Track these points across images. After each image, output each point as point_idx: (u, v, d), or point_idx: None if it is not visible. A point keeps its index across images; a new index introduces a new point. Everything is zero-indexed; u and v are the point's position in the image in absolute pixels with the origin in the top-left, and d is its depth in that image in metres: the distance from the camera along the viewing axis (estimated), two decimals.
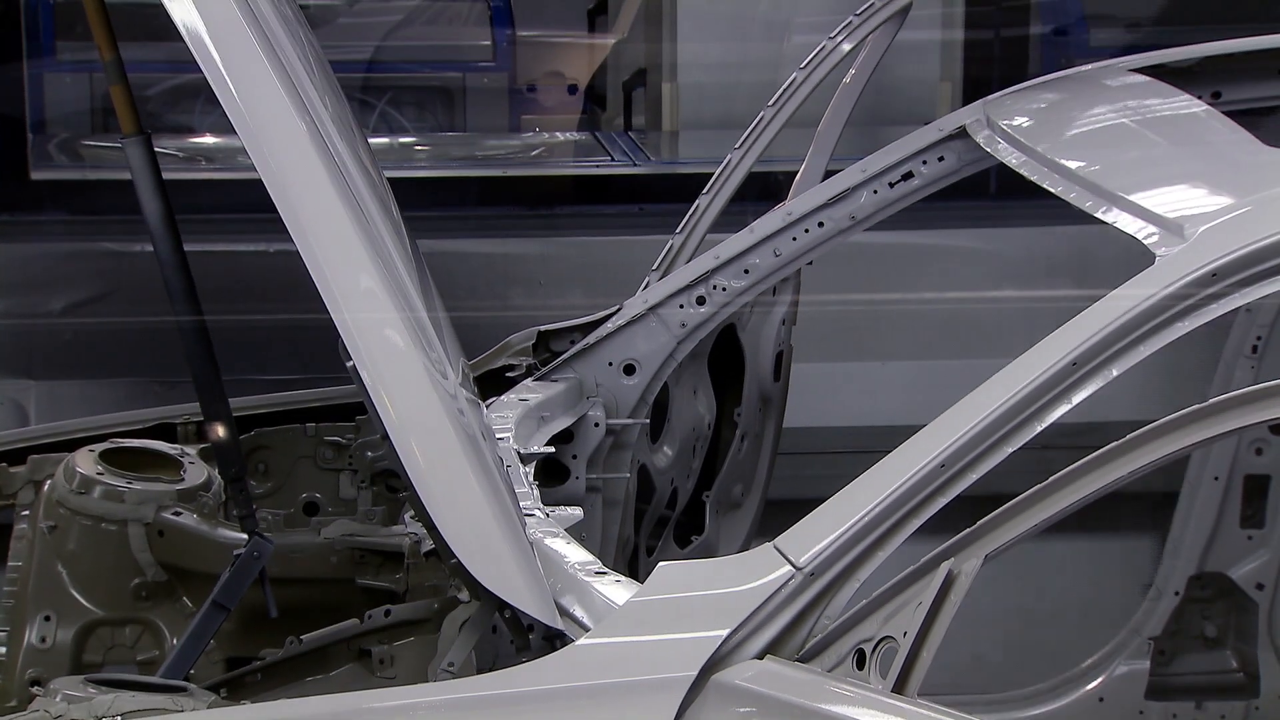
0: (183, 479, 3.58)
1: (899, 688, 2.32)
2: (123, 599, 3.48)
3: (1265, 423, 2.34)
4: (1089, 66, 3.66)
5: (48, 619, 3.45)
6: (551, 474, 3.58)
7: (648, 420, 3.79)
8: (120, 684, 2.66)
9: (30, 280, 5.48)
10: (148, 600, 3.50)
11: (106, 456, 3.56)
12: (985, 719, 2.27)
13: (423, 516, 2.54)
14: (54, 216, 5.89)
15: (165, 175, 3.13)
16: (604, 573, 2.65)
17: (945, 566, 2.36)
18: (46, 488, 3.56)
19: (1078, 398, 2.42)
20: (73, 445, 3.63)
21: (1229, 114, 3.15)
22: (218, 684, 3.19)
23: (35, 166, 6.03)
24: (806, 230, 3.72)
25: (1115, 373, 2.41)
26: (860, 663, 2.37)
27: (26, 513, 3.60)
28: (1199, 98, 3.29)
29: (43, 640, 3.44)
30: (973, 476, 2.42)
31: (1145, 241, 2.59)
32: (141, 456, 3.60)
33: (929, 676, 2.32)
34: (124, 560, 3.48)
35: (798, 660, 2.40)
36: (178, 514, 3.50)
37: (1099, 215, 2.78)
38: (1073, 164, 2.98)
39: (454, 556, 2.51)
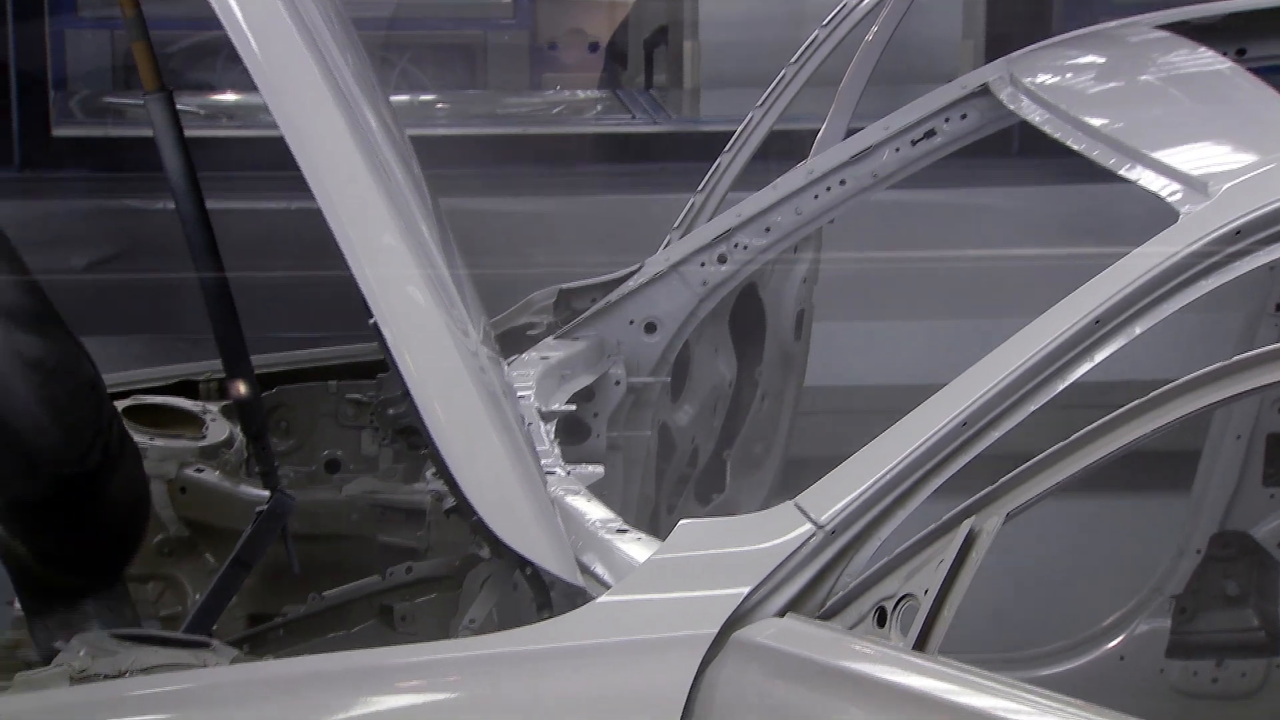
0: (205, 436, 3.58)
1: (920, 645, 2.31)
2: (145, 555, 3.49)
3: None
4: (1113, 23, 3.63)
5: None
6: (572, 432, 3.58)
7: (668, 379, 3.78)
8: (143, 639, 2.67)
9: (52, 237, 5.49)
10: (170, 556, 3.51)
11: (129, 413, 3.57)
12: (1006, 677, 2.27)
13: (444, 474, 2.54)
14: (76, 173, 5.89)
15: (187, 132, 3.13)
16: (625, 530, 2.65)
17: (967, 524, 2.35)
18: None
19: (1100, 355, 2.41)
20: None
21: (1254, 71, 3.13)
22: (240, 640, 3.20)
23: (57, 123, 6.04)
24: (828, 188, 3.71)
25: (1138, 330, 2.40)
26: (881, 620, 2.36)
27: None
28: (1224, 54, 3.27)
29: None
30: (995, 435, 2.41)
31: (1169, 199, 2.58)
32: (163, 413, 3.61)
33: (949, 634, 2.32)
34: None
35: (818, 618, 2.40)
36: (200, 471, 3.51)
37: (1122, 173, 2.77)
38: (1096, 121, 2.96)
39: (475, 514, 2.51)
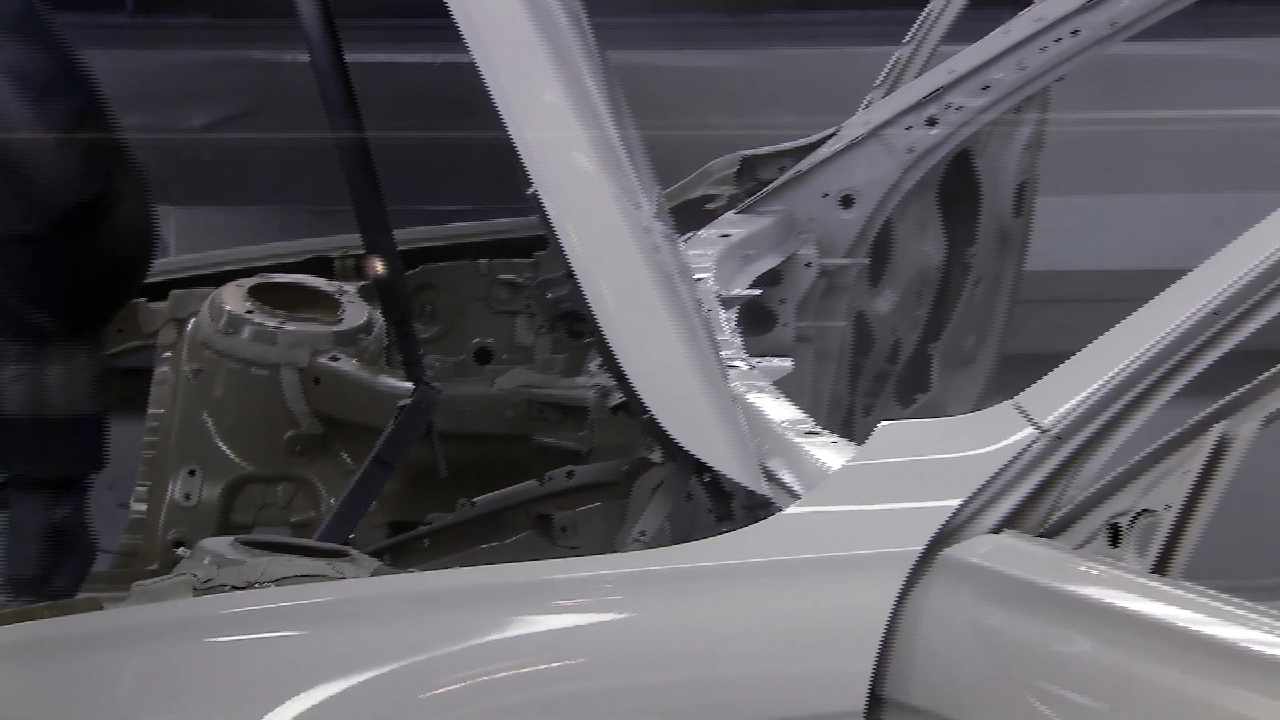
0: (341, 320, 3.63)
1: (1160, 568, 2.29)
2: (275, 453, 3.56)
3: None
4: None
5: (192, 473, 3.54)
6: (757, 320, 3.58)
7: (867, 260, 3.77)
8: (273, 546, 2.71)
9: (170, 93, 5.56)
10: (302, 455, 3.57)
11: (256, 293, 3.62)
12: (1260, 606, 2.24)
13: (611, 366, 2.55)
14: (194, 20, 5.95)
15: None
16: (816, 433, 2.65)
17: (1216, 430, 2.32)
18: (190, 327, 3.63)
19: None
20: (219, 279, 3.69)
21: None
22: (381, 550, 3.25)
23: None
24: (1058, 40, 3.66)
25: None
26: (1114, 539, 2.34)
27: (168, 354, 3.67)
28: None
29: (187, 497, 3.53)
30: (1251, 326, 2.37)
31: None
32: (295, 293, 3.66)
33: (1195, 556, 2.30)
34: (276, 410, 3.55)
35: (1041, 535, 2.39)
36: (335, 359, 3.55)
37: None
38: None
39: (646, 411, 2.52)
